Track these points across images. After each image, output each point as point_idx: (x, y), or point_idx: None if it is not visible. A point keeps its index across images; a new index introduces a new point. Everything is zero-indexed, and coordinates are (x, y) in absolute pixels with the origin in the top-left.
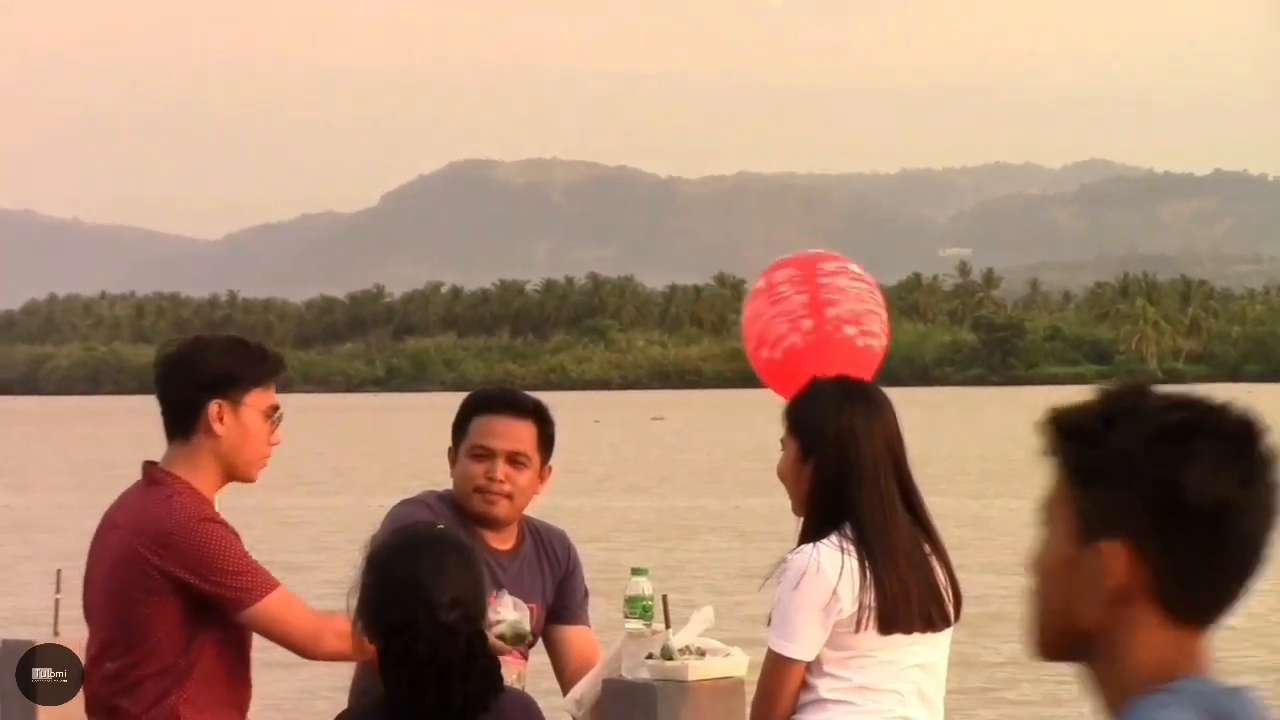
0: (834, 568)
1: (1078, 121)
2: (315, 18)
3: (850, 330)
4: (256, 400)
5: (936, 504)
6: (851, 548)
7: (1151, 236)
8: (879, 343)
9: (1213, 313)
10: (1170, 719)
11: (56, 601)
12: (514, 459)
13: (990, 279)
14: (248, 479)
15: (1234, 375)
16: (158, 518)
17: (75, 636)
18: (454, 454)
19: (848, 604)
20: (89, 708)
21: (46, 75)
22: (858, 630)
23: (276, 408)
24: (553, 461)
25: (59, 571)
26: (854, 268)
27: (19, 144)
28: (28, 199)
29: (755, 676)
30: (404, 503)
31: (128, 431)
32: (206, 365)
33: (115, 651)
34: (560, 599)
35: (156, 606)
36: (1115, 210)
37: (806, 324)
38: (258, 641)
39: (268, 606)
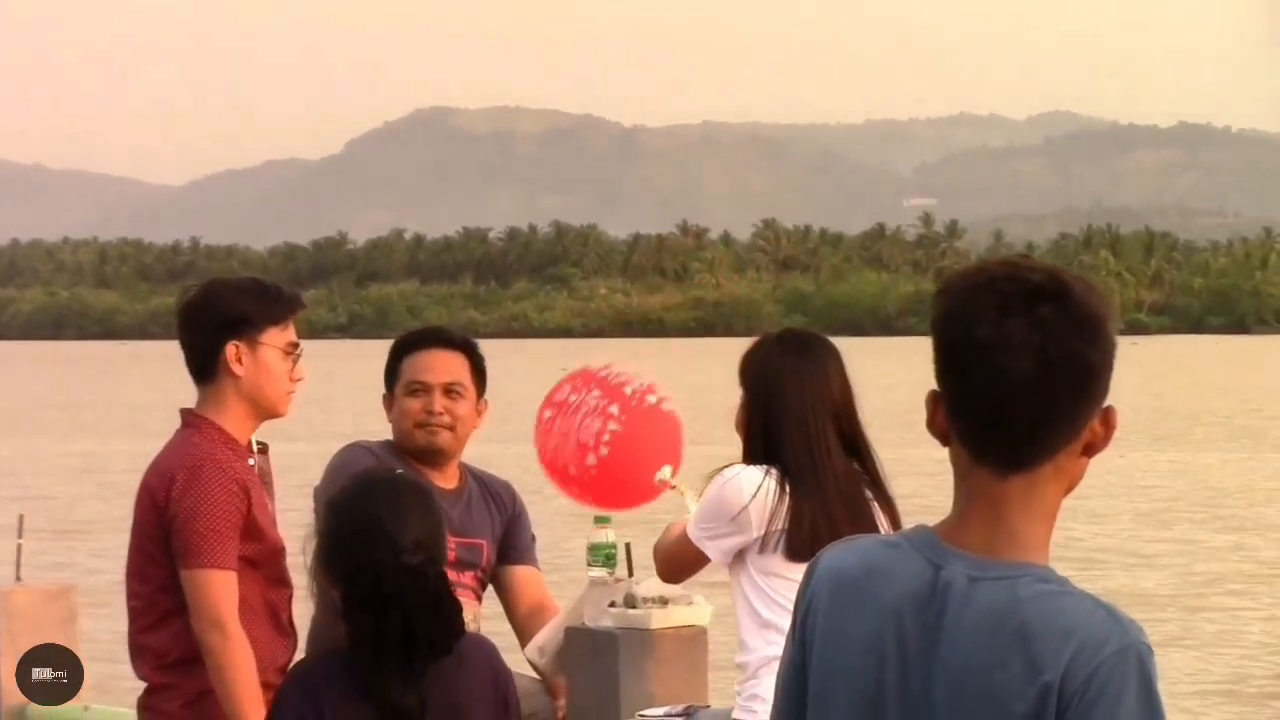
0: (752, 485)
1: (1042, 73)
2: None
3: (651, 399)
4: (273, 338)
5: (898, 455)
6: (776, 474)
7: (1116, 188)
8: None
9: (1176, 265)
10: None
11: (19, 546)
12: (450, 390)
13: (954, 230)
14: (275, 414)
15: (1197, 327)
16: (172, 455)
17: (39, 581)
18: (389, 399)
19: (755, 524)
20: (130, 651)
21: (8, 19)
22: (762, 551)
23: (296, 344)
24: (519, 407)
25: (21, 517)
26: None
27: None
28: None
29: (719, 625)
30: (346, 449)
31: (93, 374)
32: (222, 307)
33: (139, 589)
34: (508, 540)
35: (164, 542)
36: (1080, 162)
37: (614, 409)
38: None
39: (203, 577)
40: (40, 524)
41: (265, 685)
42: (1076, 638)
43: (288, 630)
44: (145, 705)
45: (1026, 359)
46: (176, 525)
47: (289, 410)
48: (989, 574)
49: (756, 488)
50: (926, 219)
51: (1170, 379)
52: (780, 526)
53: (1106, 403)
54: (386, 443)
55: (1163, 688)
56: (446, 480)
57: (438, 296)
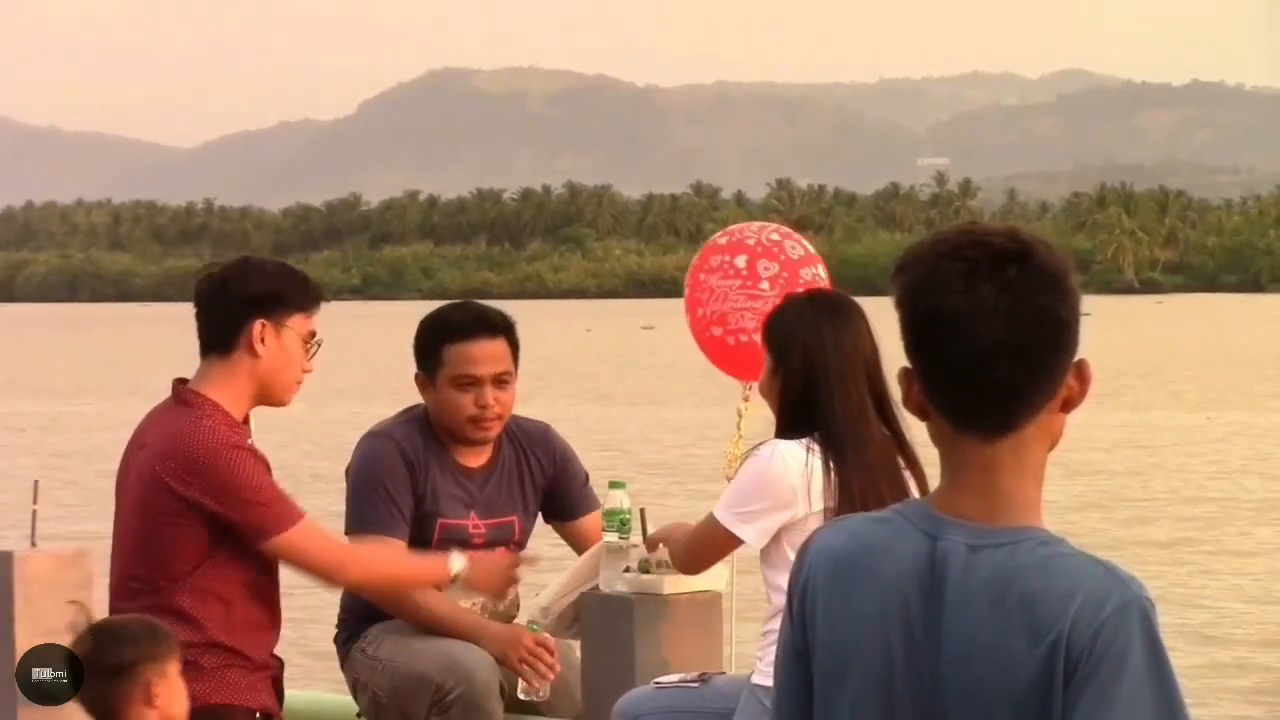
0: (797, 462)
1: (1056, 31)
2: None
3: (717, 331)
4: (298, 324)
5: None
6: (818, 449)
7: (1129, 147)
8: (758, 337)
9: (1190, 223)
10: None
11: (34, 513)
12: (499, 380)
13: (968, 189)
14: (280, 402)
15: (1211, 285)
16: (185, 443)
17: (54, 548)
18: (426, 380)
19: (802, 504)
20: None
21: None
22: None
23: (315, 335)
24: (550, 367)
25: (36, 483)
26: (740, 261)
27: None
28: (5, 106)
29: (732, 590)
30: (372, 436)
31: (108, 339)
32: (254, 284)
33: (141, 572)
34: (560, 495)
35: (181, 530)
36: (1093, 120)
37: (689, 319)
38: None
39: (290, 539)
40: (56, 490)
41: (262, 666)
42: (1078, 598)
43: (278, 613)
44: None
45: (1000, 323)
46: (234, 513)
47: (291, 402)
48: (989, 541)
49: (803, 465)
50: (940, 178)
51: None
52: (829, 504)
53: (1078, 356)
54: (412, 420)
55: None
56: (477, 457)
57: (452, 258)
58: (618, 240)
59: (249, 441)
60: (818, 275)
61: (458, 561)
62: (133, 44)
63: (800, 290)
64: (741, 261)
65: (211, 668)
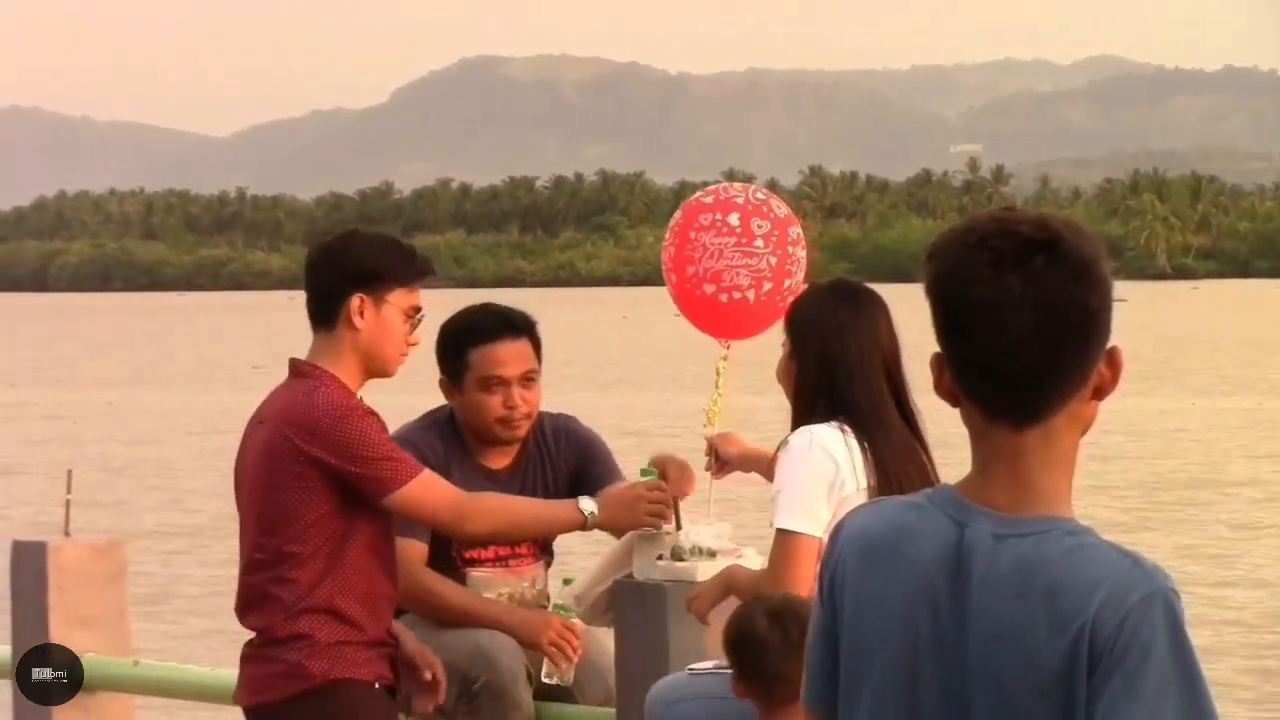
0: (835, 443)
1: (1088, 17)
2: None
3: (709, 289)
4: (399, 299)
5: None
6: (850, 429)
7: (1162, 133)
8: (751, 294)
9: (1222, 209)
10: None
11: (68, 502)
12: (526, 379)
13: (1000, 175)
14: (385, 374)
15: (1243, 271)
16: (304, 407)
17: (87, 538)
18: (451, 386)
19: (850, 482)
20: (240, 604)
21: None
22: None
23: (418, 309)
24: (582, 354)
25: (69, 472)
26: (733, 219)
27: (28, 41)
28: (38, 96)
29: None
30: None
31: (142, 327)
32: (355, 259)
33: (267, 543)
34: (587, 476)
35: (305, 494)
36: (1125, 107)
37: (673, 278)
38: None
39: (411, 491)
40: (87, 480)
41: (378, 642)
42: (1103, 588)
43: (396, 588)
44: (262, 656)
45: (1026, 312)
46: (356, 467)
47: (396, 373)
48: (1015, 531)
49: (842, 445)
50: (973, 165)
51: None
52: (870, 483)
53: (1110, 343)
54: (433, 424)
55: None
56: (502, 458)
57: (484, 246)
58: (650, 228)
59: (366, 404)
60: (800, 235)
61: (588, 503)
62: (165, 33)
63: (824, 280)
64: (735, 220)
65: (329, 642)
